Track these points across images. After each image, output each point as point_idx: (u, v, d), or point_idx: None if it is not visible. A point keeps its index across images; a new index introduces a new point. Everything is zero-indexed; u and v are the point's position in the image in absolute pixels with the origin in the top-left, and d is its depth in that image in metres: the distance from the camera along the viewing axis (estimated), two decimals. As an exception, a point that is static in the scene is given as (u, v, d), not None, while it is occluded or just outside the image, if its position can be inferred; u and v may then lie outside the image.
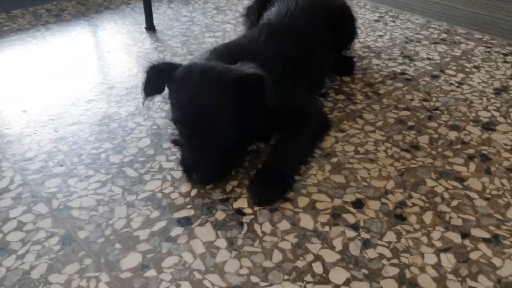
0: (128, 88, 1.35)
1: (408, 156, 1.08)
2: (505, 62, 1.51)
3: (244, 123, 0.98)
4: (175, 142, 1.09)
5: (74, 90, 1.34)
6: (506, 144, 1.12)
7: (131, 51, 1.57)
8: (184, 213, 0.92)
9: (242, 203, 0.94)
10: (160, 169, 1.03)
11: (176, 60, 1.50)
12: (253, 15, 1.42)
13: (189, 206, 0.93)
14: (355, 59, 1.47)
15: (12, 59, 1.51)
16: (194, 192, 0.97)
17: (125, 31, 1.73)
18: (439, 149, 1.10)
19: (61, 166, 1.04)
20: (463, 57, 1.54)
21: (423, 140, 1.13)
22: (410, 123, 1.19)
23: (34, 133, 1.15)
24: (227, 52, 1.06)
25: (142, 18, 1.76)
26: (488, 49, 1.59)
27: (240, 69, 0.95)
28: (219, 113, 0.94)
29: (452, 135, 1.15)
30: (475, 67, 1.48)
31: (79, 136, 1.14)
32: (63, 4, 1.95)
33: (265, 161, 1.03)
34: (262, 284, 0.77)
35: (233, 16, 1.86)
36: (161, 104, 1.27)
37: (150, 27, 1.73)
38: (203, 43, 1.63)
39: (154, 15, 1.78)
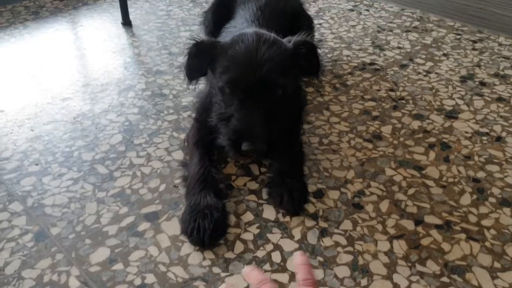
0: (103, 85, 1.39)
1: (370, 146, 1.12)
2: (474, 49, 1.55)
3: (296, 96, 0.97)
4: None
5: (51, 88, 1.37)
6: (466, 132, 1.16)
7: (107, 47, 1.60)
8: (152, 208, 0.96)
9: (208, 196, 0.99)
10: (131, 165, 1.07)
11: (150, 55, 1.54)
12: (207, 21, 1.44)
13: (157, 201, 0.98)
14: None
15: (-10, 58, 1.54)
16: (162, 187, 1.01)
17: (102, 27, 1.75)
18: (401, 139, 1.14)
19: (36, 165, 1.08)
20: (433, 45, 1.57)
21: (386, 130, 1.17)
22: (374, 114, 1.23)
23: (11, 133, 1.19)
24: None
25: (119, 14, 1.78)
26: (458, 36, 1.63)
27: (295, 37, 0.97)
28: (277, 72, 0.90)
29: (415, 124, 1.19)
30: (444, 55, 1.51)
31: (54, 135, 1.18)
32: (42, 1, 1.96)
33: (278, 172, 1.01)
34: (223, 274, 0.82)
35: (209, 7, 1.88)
36: (133, 100, 1.31)
37: (126, 22, 1.75)
38: (178, 37, 1.65)
39: (131, 10, 1.81)
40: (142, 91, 1.35)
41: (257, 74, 0.89)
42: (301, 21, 1.36)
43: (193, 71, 1.01)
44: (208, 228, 0.86)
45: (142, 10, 1.89)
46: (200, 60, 0.99)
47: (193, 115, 1.16)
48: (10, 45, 1.62)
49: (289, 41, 0.98)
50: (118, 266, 0.84)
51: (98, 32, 1.71)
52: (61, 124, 1.22)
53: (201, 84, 1.25)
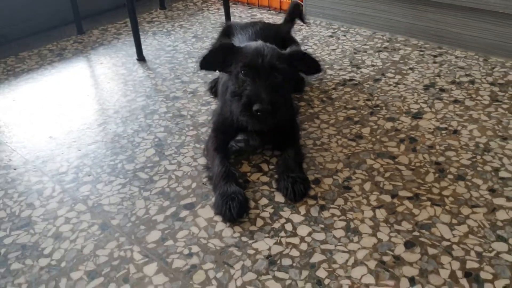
0: (130, 111, 1.67)
1: (354, 144, 1.41)
2: (434, 62, 1.86)
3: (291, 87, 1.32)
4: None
5: (87, 116, 1.65)
6: (429, 128, 1.46)
7: (127, 80, 1.88)
8: (188, 200, 1.23)
9: (230, 189, 1.26)
10: (165, 171, 1.35)
11: (166, 84, 1.83)
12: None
13: (192, 195, 1.25)
14: (305, 79, 1.78)
15: (29, 96, 1.81)
16: (194, 185, 1.28)
17: (120, 63, 2.04)
18: (378, 137, 1.43)
19: (89, 176, 1.35)
20: (401, 61, 1.88)
21: (366, 131, 1.46)
22: (356, 119, 1.52)
23: (62, 153, 1.46)
24: None
25: (133, 51, 2.08)
26: (421, 53, 1.94)
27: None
28: (277, 61, 1.24)
29: (388, 125, 1.48)
30: (410, 68, 1.82)
31: (98, 152, 1.45)
32: (63, 44, 2.26)
33: (282, 169, 1.28)
34: (250, 241, 1.09)
35: (210, 42, 2.19)
36: (158, 121, 1.59)
37: (141, 58, 2.05)
38: (187, 68, 1.95)
39: (142, 47, 2.11)
40: (164, 114, 1.63)
41: (263, 60, 1.23)
42: (290, 43, 1.66)
43: (208, 63, 1.32)
44: (235, 207, 1.13)
45: (152, 46, 2.18)
46: (217, 56, 1.31)
47: (211, 127, 1.44)
48: (44, 83, 1.90)
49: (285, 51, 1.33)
50: (169, 243, 1.10)
51: (117, 68, 2.00)
52: (102, 144, 1.49)
53: (213, 105, 1.53)
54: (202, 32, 2.33)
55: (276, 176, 1.30)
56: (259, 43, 1.30)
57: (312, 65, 1.34)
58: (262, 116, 1.19)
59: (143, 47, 2.12)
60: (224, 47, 1.31)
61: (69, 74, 1.97)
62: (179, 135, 1.51)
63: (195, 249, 1.08)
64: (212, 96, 1.72)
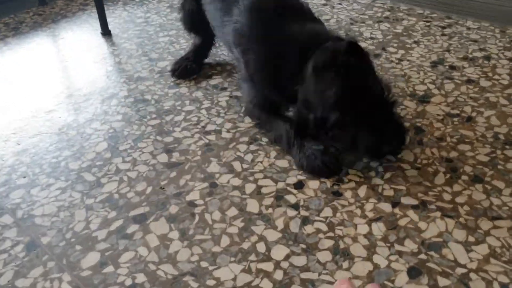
0: (86, 95, 1.41)
1: (347, 135, 1.16)
2: (443, 35, 1.59)
3: None
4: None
5: (35, 101, 1.39)
6: (438, 115, 1.20)
7: (88, 58, 1.62)
8: (139, 210, 0.99)
9: (194, 195, 1.02)
10: (117, 171, 1.10)
11: (131, 62, 1.57)
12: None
13: (144, 203, 1.01)
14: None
15: (-28, 77, 1.56)
16: (149, 190, 1.04)
17: (82, 38, 1.78)
18: (376, 126, 1.18)
19: (24, 177, 1.11)
20: (404, 33, 1.62)
21: (362, 119, 1.21)
22: (350, 104, 1.27)
23: (-3, 149, 1.21)
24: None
25: (98, 24, 1.81)
26: (428, 23, 1.67)
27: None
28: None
29: (389, 111, 1.23)
30: (415, 42, 1.56)
31: (40, 147, 1.20)
32: (21, 17, 1.98)
33: None
34: (211, 268, 0.86)
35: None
36: (116, 107, 1.34)
37: (106, 32, 1.78)
38: (157, 43, 1.69)
39: (109, 19, 1.83)
40: (124, 98, 1.38)
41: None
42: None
43: None
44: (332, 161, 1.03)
45: (120, 19, 1.91)
46: None
47: (249, 102, 1.22)
48: (-9, 63, 1.64)
49: None
50: (109, 269, 0.87)
51: (79, 43, 1.74)
52: (47, 136, 1.24)
53: (183, 87, 1.28)
54: (178, 0, 2.05)
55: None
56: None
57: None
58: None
59: (110, 19, 1.86)
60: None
61: (23, 51, 1.71)
62: (138, 124, 1.26)
63: (140, 278, 0.85)
64: (175, 79, 1.45)
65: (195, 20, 1.47)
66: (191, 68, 1.45)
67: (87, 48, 1.69)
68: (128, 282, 0.84)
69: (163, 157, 1.13)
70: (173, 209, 0.99)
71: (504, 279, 0.79)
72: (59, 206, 1.02)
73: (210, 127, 1.23)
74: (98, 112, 1.33)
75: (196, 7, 1.43)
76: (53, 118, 1.32)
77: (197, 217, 0.97)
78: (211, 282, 0.83)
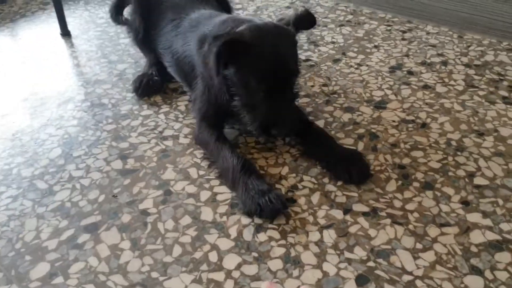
0: (42, 98, 1.39)
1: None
2: (403, 39, 1.62)
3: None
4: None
5: (-12, 105, 1.36)
6: (393, 121, 1.22)
7: (46, 60, 1.59)
8: (91, 219, 0.98)
9: (147, 203, 1.01)
10: (70, 178, 1.09)
11: (90, 64, 1.54)
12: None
13: (96, 212, 1.00)
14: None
15: None
16: (101, 198, 1.03)
17: (41, 39, 1.74)
18: (332, 132, 1.19)
19: (-26, 185, 1.08)
20: (365, 38, 1.63)
21: (319, 124, 1.21)
22: (308, 109, 1.28)
23: None
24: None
25: (58, 24, 1.77)
26: (389, 27, 1.70)
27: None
28: (297, 63, 1.06)
29: (346, 117, 1.25)
30: (375, 46, 1.58)
31: (-9, 153, 1.18)
32: (-23, 15, 1.93)
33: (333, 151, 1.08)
34: (161, 278, 0.85)
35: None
36: (73, 111, 1.31)
37: (65, 32, 1.75)
38: (118, 45, 1.66)
39: (70, 19, 1.81)
40: (81, 102, 1.36)
41: (284, 68, 1.02)
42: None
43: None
44: (275, 199, 0.95)
45: (81, 19, 1.88)
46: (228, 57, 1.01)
47: (198, 115, 1.18)
48: None
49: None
50: (58, 280, 0.86)
51: (37, 44, 1.70)
52: (0, 143, 1.21)
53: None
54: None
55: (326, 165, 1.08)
56: (270, 30, 1.03)
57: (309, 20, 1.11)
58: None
59: (71, 19, 1.83)
60: (232, 43, 0.99)
61: (-22, 51, 1.66)
62: (94, 130, 1.24)
63: (89, 289, 0.84)
64: (138, 97, 1.37)
65: (145, 41, 1.44)
66: (153, 83, 1.37)
67: (45, 49, 1.66)
68: (77, 293, 0.83)
69: (118, 164, 1.12)
70: (125, 218, 0.98)
71: (448, 285, 0.81)
72: (9, 215, 1.00)
73: (167, 132, 1.22)
74: (53, 116, 1.30)
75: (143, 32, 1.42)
76: (7, 122, 1.29)
77: (149, 226, 0.96)
78: (160, 293, 0.82)
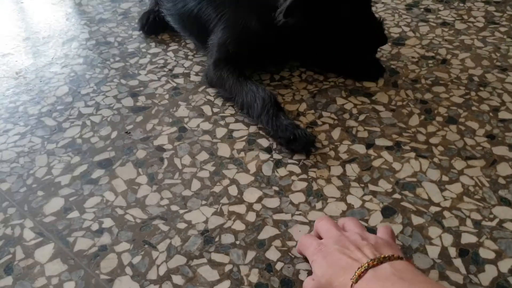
0: (45, 38, 1.33)
1: (321, 78, 1.12)
2: (419, -24, 1.55)
3: None
4: None
5: (-12, 45, 1.30)
6: (413, 57, 1.18)
7: (45, 0, 1.52)
8: (105, 155, 0.95)
9: (162, 140, 0.98)
10: (79, 116, 1.05)
11: (92, 4, 1.47)
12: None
13: (110, 148, 0.96)
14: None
15: None
16: (114, 134, 0.99)
17: (38, -22, 1.66)
18: (350, 68, 1.14)
19: (-21, 123, 1.04)
20: (379, -24, 1.56)
21: (336, 61, 1.17)
22: (324, 46, 1.22)
23: None
24: None
25: (54, -37, 1.69)
26: (403, -35, 1.62)
27: None
28: None
29: (364, 53, 1.19)
30: (390, -16, 1.51)
31: (-5, 92, 1.13)
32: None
33: None
34: (181, 211, 0.82)
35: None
36: (78, 50, 1.26)
37: (64, -29, 1.66)
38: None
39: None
40: (86, 41, 1.30)
41: None
42: None
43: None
44: (309, 135, 0.92)
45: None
46: None
47: (219, 49, 1.09)
48: None
49: None
50: (74, 214, 0.83)
51: (34, -16, 1.62)
52: (3, 81, 1.17)
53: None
54: None
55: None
56: None
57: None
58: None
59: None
60: None
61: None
62: (101, 68, 1.19)
63: (107, 223, 0.81)
64: (144, 35, 1.32)
65: None
66: (160, 20, 1.29)
67: (44, -11, 1.58)
68: (95, 226, 0.81)
69: (128, 101, 1.08)
70: (141, 153, 0.94)
71: (476, 216, 0.79)
72: (18, 152, 0.96)
73: (177, 70, 1.17)
74: (58, 55, 1.25)
75: None
76: (9, 62, 1.24)
77: (166, 162, 0.92)
78: (182, 225, 0.80)
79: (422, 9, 1.37)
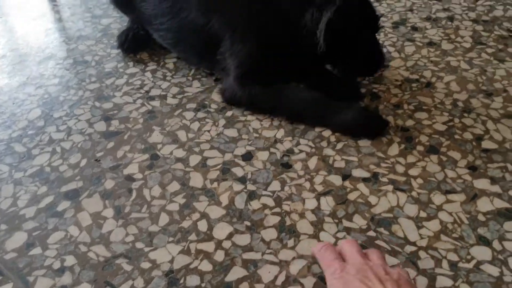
0: (21, 55, 1.30)
1: (300, 102, 1.09)
2: (407, -8, 1.52)
3: None
4: None
5: (-37, 63, 1.27)
6: (396, 80, 1.15)
7: (26, 14, 1.49)
8: (72, 185, 0.91)
9: (132, 168, 0.95)
10: (50, 141, 1.01)
11: (73, 19, 1.44)
12: None
13: (78, 177, 0.93)
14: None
15: None
16: (83, 162, 0.96)
17: (20, -9, 1.63)
18: (331, 92, 1.11)
19: None
20: (367, -9, 1.53)
21: (317, 84, 1.14)
22: (305, 68, 1.19)
23: None
24: None
25: (37, -25, 1.66)
26: (392, -20, 1.59)
27: None
28: None
29: (346, 75, 1.16)
30: (377, 0, 1.48)
31: (-34, 114, 1.10)
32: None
33: None
34: (147, 249, 0.79)
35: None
36: (54, 69, 1.23)
37: (46, -16, 1.63)
38: (103, -2, 1.56)
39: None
40: (63, 60, 1.27)
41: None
42: None
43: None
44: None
45: (63, -30, 1.76)
46: None
47: (246, 62, 1.04)
48: None
49: None
50: (36, 251, 0.80)
51: (15, -3, 1.59)
52: (-26, 102, 1.14)
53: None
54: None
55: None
56: None
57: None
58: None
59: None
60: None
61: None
62: (76, 89, 1.16)
63: (70, 261, 0.78)
64: (123, 53, 1.28)
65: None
66: (140, 37, 1.26)
67: (25, 3, 1.55)
68: (57, 265, 0.77)
69: (101, 126, 1.05)
70: (109, 184, 0.91)
71: (453, 257, 0.76)
72: (-17, 181, 0.93)
73: (154, 92, 1.14)
74: (33, 75, 1.22)
75: None
76: (-17, 81, 1.21)
77: (134, 193, 0.89)
78: (146, 265, 0.77)
79: (409, 27, 1.34)
